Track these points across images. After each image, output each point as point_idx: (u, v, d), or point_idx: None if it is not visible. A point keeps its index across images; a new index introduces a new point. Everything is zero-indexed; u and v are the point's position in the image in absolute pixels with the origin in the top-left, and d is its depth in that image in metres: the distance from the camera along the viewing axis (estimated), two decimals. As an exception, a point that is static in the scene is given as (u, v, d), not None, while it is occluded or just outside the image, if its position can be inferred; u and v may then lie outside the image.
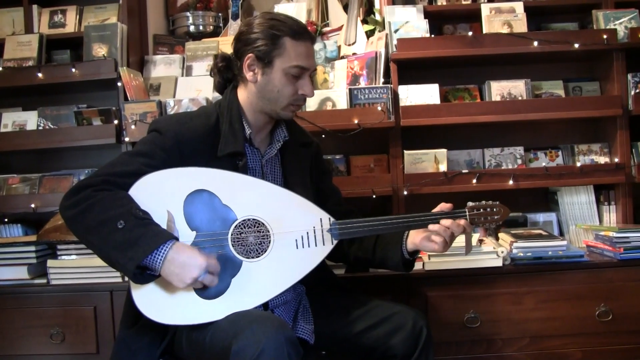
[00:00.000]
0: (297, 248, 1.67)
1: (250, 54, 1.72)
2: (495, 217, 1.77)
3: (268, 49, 1.71)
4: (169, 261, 1.51)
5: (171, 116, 1.82)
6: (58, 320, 2.35)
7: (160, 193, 1.61)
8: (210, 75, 1.89)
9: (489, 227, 1.78)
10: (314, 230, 1.70)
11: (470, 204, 1.78)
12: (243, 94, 1.80)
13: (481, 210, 1.77)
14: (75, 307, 2.36)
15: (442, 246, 1.72)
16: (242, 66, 1.75)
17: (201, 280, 1.53)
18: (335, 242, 1.72)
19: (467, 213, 1.76)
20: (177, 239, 1.57)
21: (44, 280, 2.42)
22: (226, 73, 1.83)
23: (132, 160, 1.64)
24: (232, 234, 1.63)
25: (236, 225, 1.64)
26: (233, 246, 1.63)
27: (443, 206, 1.77)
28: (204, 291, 1.58)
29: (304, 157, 1.93)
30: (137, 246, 1.49)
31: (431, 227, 1.72)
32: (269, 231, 1.66)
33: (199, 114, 1.78)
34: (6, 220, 2.65)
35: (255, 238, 1.65)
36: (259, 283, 1.62)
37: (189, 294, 1.57)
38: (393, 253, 1.82)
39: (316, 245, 1.69)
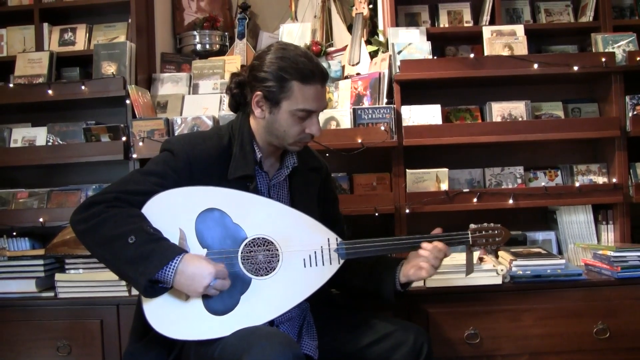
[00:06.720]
0: (304, 267, 1.71)
1: (258, 92, 1.73)
2: (497, 240, 1.82)
3: (276, 91, 1.71)
4: (179, 274, 1.55)
5: (184, 136, 1.84)
6: (65, 333, 2.37)
7: (173, 211, 1.65)
8: (226, 93, 1.91)
9: (489, 249, 1.82)
10: (322, 249, 1.73)
11: (472, 226, 1.82)
12: (253, 123, 1.82)
13: (483, 232, 1.81)
14: (82, 321, 2.38)
15: (429, 271, 1.76)
16: (251, 101, 1.76)
17: (213, 286, 1.57)
18: (342, 261, 1.75)
19: (470, 235, 1.80)
20: (187, 253, 1.60)
21: (51, 294, 2.44)
22: (239, 97, 1.84)
23: (144, 180, 1.67)
24: (242, 252, 1.67)
25: (246, 244, 1.68)
26: (243, 264, 1.67)
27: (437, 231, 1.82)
28: (214, 306, 1.61)
29: (312, 182, 1.95)
30: (148, 261, 1.53)
31: (420, 252, 1.77)
32: (277, 250, 1.70)
33: (211, 136, 1.80)
34: (14, 234, 2.67)
35: (264, 256, 1.69)
36: (267, 300, 1.66)
37: (198, 309, 1.61)
38: (386, 284, 1.85)
39: (323, 265, 1.73)
